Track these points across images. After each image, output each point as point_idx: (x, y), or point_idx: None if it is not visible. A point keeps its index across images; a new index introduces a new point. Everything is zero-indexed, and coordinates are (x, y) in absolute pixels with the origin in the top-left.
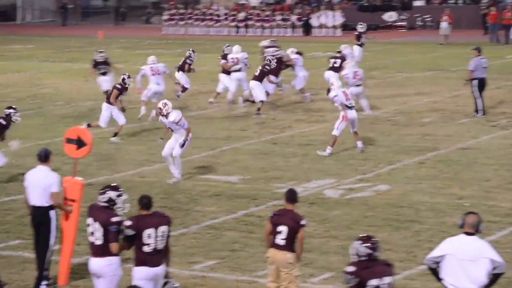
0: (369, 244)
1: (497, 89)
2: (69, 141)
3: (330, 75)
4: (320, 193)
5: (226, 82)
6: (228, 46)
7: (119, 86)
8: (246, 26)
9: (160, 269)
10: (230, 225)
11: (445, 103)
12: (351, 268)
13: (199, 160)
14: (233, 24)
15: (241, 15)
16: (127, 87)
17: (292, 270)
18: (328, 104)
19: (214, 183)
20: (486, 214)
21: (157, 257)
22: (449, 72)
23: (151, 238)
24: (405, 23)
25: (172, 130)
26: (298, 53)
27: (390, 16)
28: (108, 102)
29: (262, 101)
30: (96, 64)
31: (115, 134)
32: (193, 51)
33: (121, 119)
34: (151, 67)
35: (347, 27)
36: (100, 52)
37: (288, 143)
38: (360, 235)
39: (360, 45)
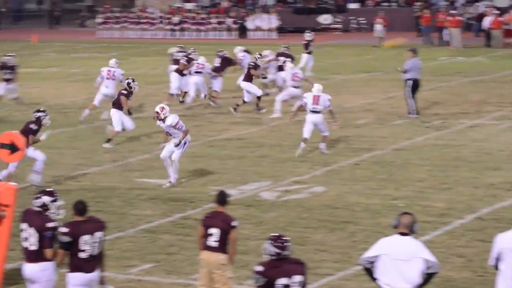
0: (278, 244)
1: (431, 90)
2: (2, 146)
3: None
4: (257, 195)
5: (178, 83)
6: (194, 50)
7: (125, 92)
8: (182, 29)
9: (95, 275)
10: (166, 228)
11: (379, 104)
12: (259, 268)
13: (135, 163)
14: (168, 27)
15: (176, 19)
16: (132, 91)
17: (225, 272)
18: (265, 106)
19: (150, 186)
20: (420, 214)
21: (92, 263)
22: (383, 74)
23: (87, 244)
24: (340, 25)
25: (170, 135)
26: (246, 51)
27: (325, 19)
28: (116, 107)
29: (259, 97)
30: (2, 67)
31: (109, 140)
32: (194, 50)
33: (122, 126)
34: (108, 70)
35: (282, 29)
36: (10, 56)
37: (224, 145)
38: (271, 235)
39: (309, 53)
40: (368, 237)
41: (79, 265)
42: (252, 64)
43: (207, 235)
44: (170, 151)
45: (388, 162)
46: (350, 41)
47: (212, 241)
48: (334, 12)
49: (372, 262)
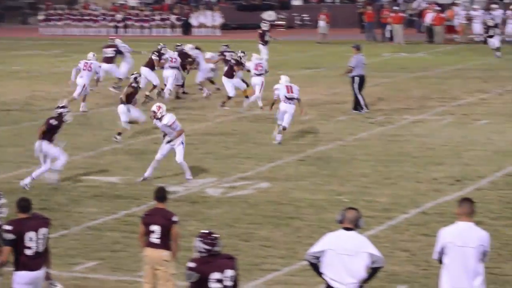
0: (207, 240)
1: (375, 86)
2: None
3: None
4: (202, 192)
5: (151, 77)
6: (164, 46)
7: (135, 85)
8: (125, 26)
9: (41, 273)
10: (111, 225)
11: (323, 100)
12: (192, 264)
13: (79, 161)
14: (111, 24)
15: (120, 16)
16: (140, 86)
17: (169, 268)
18: (210, 102)
19: (95, 183)
20: (365, 209)
21: (38, 260)
22: (327, 70)
23: (32, 241)
24: (284, 22)
25: (166, 134)
26: (197, 48)
27: (269, 16)
28: (125, 102)
29: (230, 97)
30: None
31: (119, 134)
32: (164, 45)
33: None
34: (86, 62)
35: (226, 26)
36: None
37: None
38: (201, 232)
39: (264, 44)
40: (313, 233)
41: (25, 263)
42: (235, 60)
43: (149, 232)
44: (164, 152)
45: (332, 158)
46: (294, 37)
47: (154, 238)
48: (278, 9)
49: (317, 257)
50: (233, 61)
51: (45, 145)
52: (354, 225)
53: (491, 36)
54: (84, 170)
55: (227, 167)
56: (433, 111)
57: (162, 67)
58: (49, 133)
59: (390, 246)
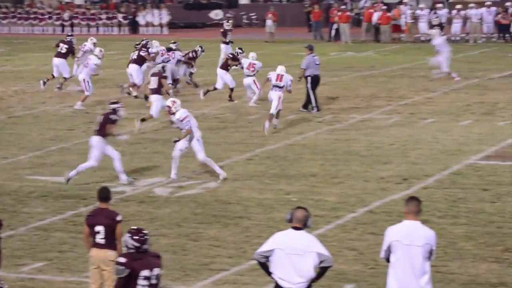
0: (137, 237)
1: (322, 85)
2: None
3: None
4: (150, 192)
5: (137, 74)
6: (148, 40)
7: (165, 75)
8: (72, 25)
9: None
10: (58, 226)
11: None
12: (122, 259)
13: (25, 161)
14: (58, 23)
15: (67, 14)
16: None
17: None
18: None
19: (42, 183)
20: (313, 208)
21: None
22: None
23: None
24: (231, 21)
25: (181, 129)
26: (175, 47)
27: (216, 14)
28: (156, 93)
29: (232, 89)
30: None
31: (143, 120)
32: (148, 40)
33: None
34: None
35: (173, 25)
36: None
37: (116, 142)
38: (131, 228)
39: (227, 43)
40: (262, 232)
41: None
42: (231, 55)
43: (94, 233)
44: (179, 149)
45: (280, 157)
46: (242, 36)
47: (99, 239)
48: (225, 8)
49: (266, 257)
50: (230, 55)
51: (99, 141)
52: (303, 225)
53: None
54: (31, 170)
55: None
56: (380, 110)
57: (154, 60)
58: (104, 129)
59: (338, 245)
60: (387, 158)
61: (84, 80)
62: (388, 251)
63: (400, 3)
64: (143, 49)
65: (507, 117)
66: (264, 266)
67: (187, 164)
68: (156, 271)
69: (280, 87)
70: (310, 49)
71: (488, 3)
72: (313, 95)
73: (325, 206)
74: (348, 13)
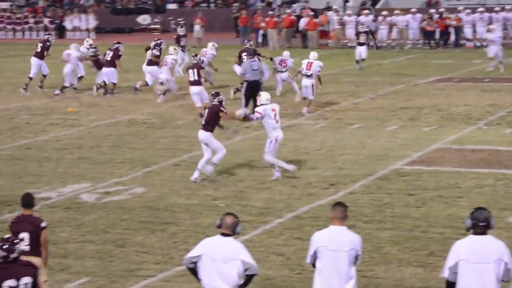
0: (5, 247)
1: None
2: None
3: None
4: (76, 198)
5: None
6: (162, 41)
7: (202, 65)
8: None
9: None
10: None
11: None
12: None
13: None
14: None
15: None
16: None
17: (40, 276)
18: (83, 107)
19: None
20: (240, 214)
21: None
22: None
23: None
24: (159, 26)
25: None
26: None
27: (144, 19)
28: (198, 84)
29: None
30: None
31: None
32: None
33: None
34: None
35: (101, 30)
36: None
37: (42, 147)
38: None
39: (182, 49)
40: (189, 238)
41: None
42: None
43: None
44: (267, 152)
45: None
46: (170, 41)
47: (24, 246)
48: (153, 13)
49: (194, 262)
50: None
51: (208, 136)
52: (231, 231)
53: (361, 44)
54: None
55: (101, 172)
56: (307, 115)
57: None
58: (213, 123)
59: (265, 250)
60: (314, 163)
61: (167, 80)
62: (314, 256)
63: (328, 9)
64: (156, 47)
65: (432, 122)
66: (193, 271)
67: (114, 170)
68: (25, 280)
69: (308, 76)
70: (250, 54)
71: (414, 10)
72: (245, 100)
73: (252, 212)
74: (275, 19)
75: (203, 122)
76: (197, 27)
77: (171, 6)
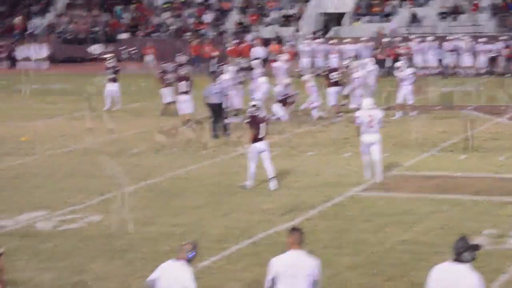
0: None
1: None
2: None
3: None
4: (32, 226)
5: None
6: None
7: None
8: None
9: None
10: None
11: (153, 133)
12: None
13: None
14: None
15: None
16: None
17: None
18: (37, 136)
19: None
20: (198, 240)
21: None
22: (155, 103)
23: None
24: (111, 55)
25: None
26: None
27: (95, 49)
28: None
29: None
30: None
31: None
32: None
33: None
34: None
35: (53, 59)
36: None
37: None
38: None
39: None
40: (147, 265)
41: None
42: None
43: None
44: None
45: (164, 190)
46: (122, 71)
47: None
48: (104, 42)
49: (152, 286)
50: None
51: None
52: (184, 257)
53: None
54: None
55: (58, 200)
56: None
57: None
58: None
59: (224, 276)
60: (271, 190)
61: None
62: (272, 282)
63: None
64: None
65: (385, 150)
66: None
67: (70, 199)
68: None
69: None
70: (212, 77)
71: (365, 38)
72: (211, 123)
73: (210, 238)
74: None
75: (262, 136)
76: (148, 57)
77: (122, 36)
